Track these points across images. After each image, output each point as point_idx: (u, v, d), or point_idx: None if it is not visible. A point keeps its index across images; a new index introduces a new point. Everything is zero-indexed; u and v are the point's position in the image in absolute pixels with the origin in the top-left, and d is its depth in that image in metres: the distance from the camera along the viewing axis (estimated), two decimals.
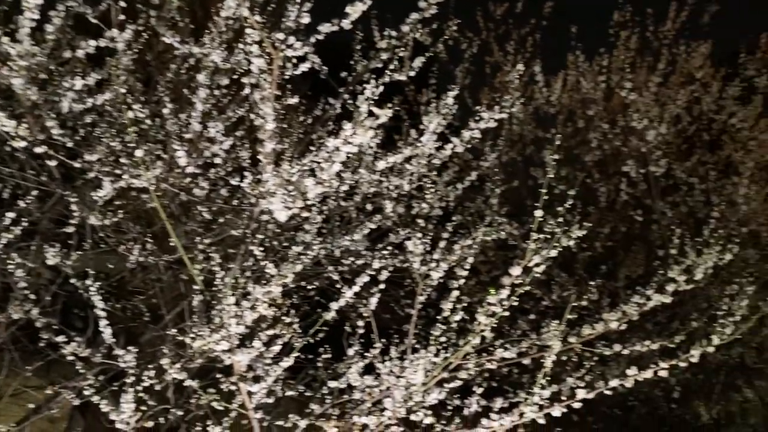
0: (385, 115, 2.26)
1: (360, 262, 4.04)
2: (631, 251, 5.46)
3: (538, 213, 2.80)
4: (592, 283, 3.67)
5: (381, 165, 3.03)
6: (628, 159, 4.91)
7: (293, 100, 3.11)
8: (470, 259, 3.00)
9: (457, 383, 2.81)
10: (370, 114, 2.31)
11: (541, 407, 2.79)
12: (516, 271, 2.85)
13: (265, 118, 2.80)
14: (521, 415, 2.69)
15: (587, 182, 5.17)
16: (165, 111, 3.44)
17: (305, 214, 2.64)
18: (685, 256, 3.31)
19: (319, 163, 2.51)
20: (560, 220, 2.88)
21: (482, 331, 2.88)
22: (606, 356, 3.30)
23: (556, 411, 2.83)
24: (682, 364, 2.83)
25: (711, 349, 2.82)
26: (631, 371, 2.82)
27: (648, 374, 2.81)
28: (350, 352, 3.30)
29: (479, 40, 6.34)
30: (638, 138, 4.83)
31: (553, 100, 5.82)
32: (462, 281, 2.88)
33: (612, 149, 5.20)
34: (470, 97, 6.25)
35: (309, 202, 2.64)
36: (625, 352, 3.33)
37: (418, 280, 3.58)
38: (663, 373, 2.81)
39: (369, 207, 4.22)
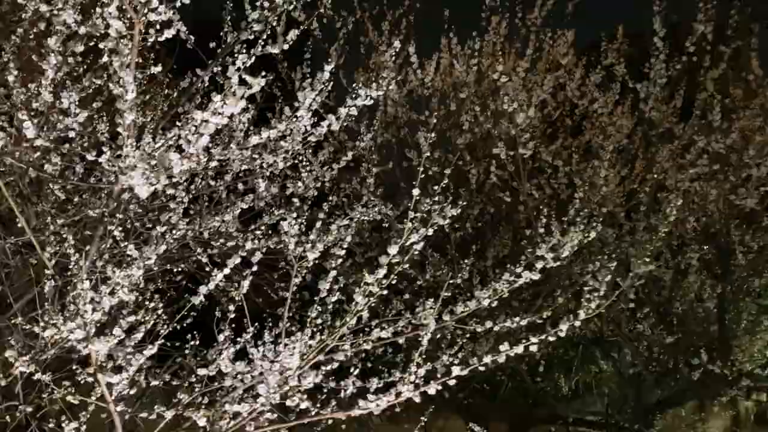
0: (257, 83, 2.14)
1: (231, 244, 3.88)
2: (499, 232, 5.63)
3: (416, 191, 2.79)
4: (465, 261, 3.72)
5: (254, 140, 2.89)
6: (498, 142, 5.03)
7: (157, 69, 2.89)
8: (348, 239, 2.94)
9: (333, 366, 2.75)
10: (242, 83, 2.17)
11: (416, 386, 2.80)
12: (393, 249, 2.83)
13: (124, 88, 2.57)
14: (398, 394, 2.67)
15: (459, 164, 5.25)
16: (10, 79, 3.11)
17: (170, 191, 2.46)
18: (551, 236, 3.43)
19: (185, 136, 2.34)
20: (435, 199, 2.88)
21: (360, 311, 2.84)
22: (477, 333, 3.36)
23: (432, 389, 2.85)
24: (551, 339, 2.93)
25: (578, 324, 2.94)
26: (504, 347, 2.88)
27: (519, 349, 2.88)
28: (221, 337, 3.15)
29: (354, 19, 6.27)
30: (508, 121, 4.96)
31: (427, 83, 5.86)
32: (339, 261, 2.81)
33: (482, 132, 5.32)
34: (345, 77, 6.18)
35: (174, 179, 2.46)
36: (496, 328, 3.42)
37: (293, 262, 3.49)
38: (533, 348, 2.89)
39: (240, 187, 4.07)
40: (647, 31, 5.05)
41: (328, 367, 2.73)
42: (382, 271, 2.83)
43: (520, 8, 6.15)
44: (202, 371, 2.87)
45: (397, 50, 6.15)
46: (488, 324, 3.44)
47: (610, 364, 6.64)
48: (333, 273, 2.78)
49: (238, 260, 2.89)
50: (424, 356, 2.74)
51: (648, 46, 5.02)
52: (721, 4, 5.07)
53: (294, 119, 2.95)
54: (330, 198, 3.81)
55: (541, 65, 5.80)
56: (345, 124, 3.48)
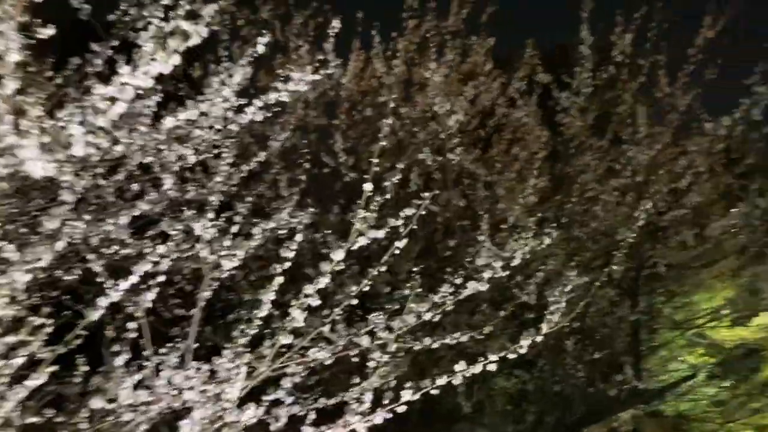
0: (198, 34, 1.69)
1: (127, 251, 3.31)
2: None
3: (368, 186, 2.41)
4: (415, 270, 3.36)
5: (169, 122, 2.40)
6: (423, 147, 4.74)
7: (48, 32, 2.34)
8: (294, 248, 2.49)
9: (278, 394, 2.29)
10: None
11: (362, 414, 2.39)
12: (339, 255, 2.43)
13: (7, 48, 2.03)
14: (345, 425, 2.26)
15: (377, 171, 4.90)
16: None
17: (66, 177, 1.94)
18: (495, 246, 3.16)
19: (93, 105, 1.83)
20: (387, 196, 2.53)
21: (294, 328, 2.41)
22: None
23: (379, 417, 2.45)
24: (512, 356, 2.62)
25: (539, 338, 2.65)
26: (459, 366, 2.54)
27: (477, 369, 2.55)
28: (119, 361, 2.61)
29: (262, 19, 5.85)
30: (437, 124, 4.68)
31: (344, 84, 5.49)
32: (285, 267, 2.38)
33: (406, 135, 5.02)
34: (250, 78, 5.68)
35: (74, 161, 1.94)
36: (435, 345, 3.11)
37: (206, 272, 3.01)
38: (491, 367, 2.57)
39: (135, 187, 3.50)
40: (573, 41, 4.97)
41: (271, 397, 2.26)
42: (324, 280, 2.42)
43: (435, 15, 5.95)
44: (96, 403, 2.32)
45: (307, 51, 5.78)
46: (427, 341, 3.11)
47: (532, 380, 6.47)
48: (278, 281, 2.34)
49: (147, 267, 2.38)
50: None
51: (573, 56, 4.94)
52: (644, 18, 5.09)
53: (217, 100, 2.49)
54: (245, 200, 3.36)
55: (454, 75, 5.58)
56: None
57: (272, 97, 2.82)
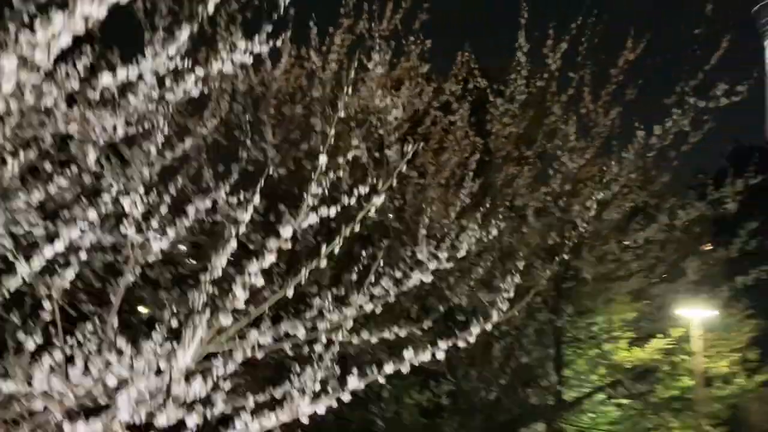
0: None
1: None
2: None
3: (323, 158, 2.28)
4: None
5: (105, 80, 2.19)
6: (360, 143, 4.63)
7: None
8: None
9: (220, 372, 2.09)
10: None
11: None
12: (287, 232, 2.27)
13: None
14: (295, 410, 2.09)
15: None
16: None
17: None
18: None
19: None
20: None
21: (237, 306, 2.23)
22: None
23: (321, 408, 2.30)
24: (461, 344, 2.54)
25: (489, 327, 2.58)
26: (408, 353, 2.43)
27: (425, 357, 2.44)
28: (30, 345, 2.35)
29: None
30: (376, 120, 4.58)
31: (277, 79, 5.31)
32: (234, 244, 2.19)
33: (340, 131, 4.88)
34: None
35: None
36: (374, 339, 3.01)
37: (130, 252, 2.77)
38: (440, 355, 2.47)
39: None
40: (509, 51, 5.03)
41: (221, 373, 2.05)
42: (270, 258, 2.26)
43: (368, 18, 5.88)
44: (8, 386, 2.05)
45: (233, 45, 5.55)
46: (365, 335, 3.00)
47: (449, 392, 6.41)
48: (225, 259, 2.15)
49: (75, 234, 2.14)
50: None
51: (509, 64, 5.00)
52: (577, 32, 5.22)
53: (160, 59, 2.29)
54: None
55: (394, 74, 5.53)
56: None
57: (215, 67, 2.65)
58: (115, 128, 2.83)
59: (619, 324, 8.62)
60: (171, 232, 2.74)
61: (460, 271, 4.32)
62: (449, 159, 5.01)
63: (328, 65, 5.07)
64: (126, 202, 2.71)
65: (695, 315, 9.36)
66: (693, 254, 7.37)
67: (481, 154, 5.53)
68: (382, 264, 3.09)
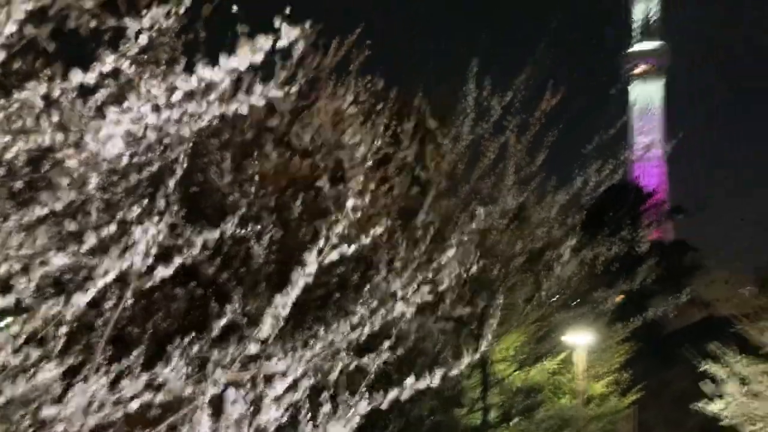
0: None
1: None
2: None
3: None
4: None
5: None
6: (323, 173, 4.83)
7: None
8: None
9: None
10: None
11: None
12: (311, 267, 2.48)
13: None
14: None
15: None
16: None
17: None
18: None
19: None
20: None
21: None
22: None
23: None
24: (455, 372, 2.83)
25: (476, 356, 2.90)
26: (410, 380, 2.69)
27: (422, 385, 2.71)
28: None
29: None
30: (341, 155, 4.80)
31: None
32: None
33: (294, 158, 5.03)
34: None
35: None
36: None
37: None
38: None
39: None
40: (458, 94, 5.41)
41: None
42: (294, 292, 2.46)
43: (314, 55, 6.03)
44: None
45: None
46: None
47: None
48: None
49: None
50: None
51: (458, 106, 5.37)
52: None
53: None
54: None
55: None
56: None
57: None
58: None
59: (515, 348, 9.34)
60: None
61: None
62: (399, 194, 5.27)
63: (288, 96, 5.21)
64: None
65: (579, 339, 10.44)
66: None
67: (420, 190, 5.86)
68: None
